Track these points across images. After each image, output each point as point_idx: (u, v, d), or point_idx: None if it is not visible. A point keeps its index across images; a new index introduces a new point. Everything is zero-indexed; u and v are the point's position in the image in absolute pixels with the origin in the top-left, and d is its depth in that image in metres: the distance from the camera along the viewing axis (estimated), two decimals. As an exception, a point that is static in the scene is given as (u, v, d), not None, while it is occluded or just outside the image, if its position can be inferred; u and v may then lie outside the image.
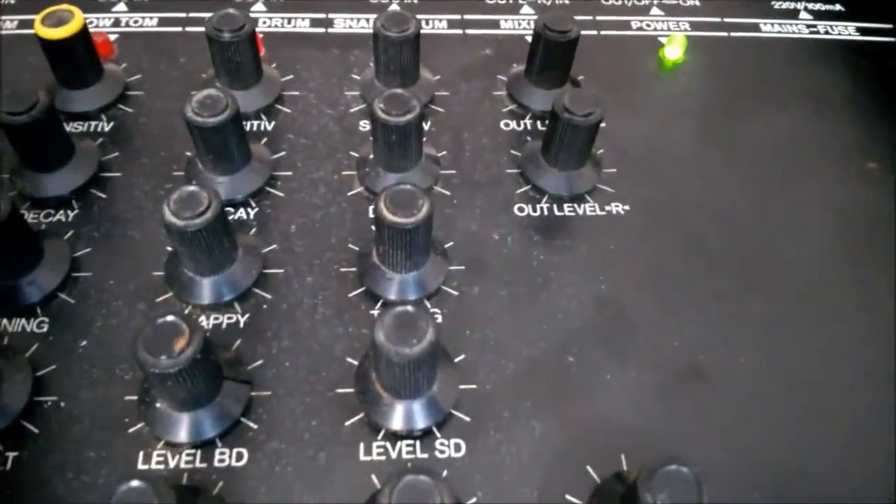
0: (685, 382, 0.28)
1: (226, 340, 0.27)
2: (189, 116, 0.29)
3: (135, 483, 0.19)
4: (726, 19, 0.43)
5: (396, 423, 0.25)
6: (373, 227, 0.31)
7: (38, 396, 0.26)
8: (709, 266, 0.31)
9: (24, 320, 0.28)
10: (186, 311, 0.28)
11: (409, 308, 0.23)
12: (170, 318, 0.23)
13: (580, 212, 0.33)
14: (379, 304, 0.29)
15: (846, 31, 0.44)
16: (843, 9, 0.45)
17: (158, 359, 0.22)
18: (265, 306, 0.29)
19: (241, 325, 0.28)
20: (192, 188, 0.26)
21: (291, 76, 0.37)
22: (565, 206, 0.33)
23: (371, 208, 0.31)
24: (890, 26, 0.45)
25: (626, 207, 0.33)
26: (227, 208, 0.31)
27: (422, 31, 0.34)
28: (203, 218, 0.25)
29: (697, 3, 0.44)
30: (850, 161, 0.36)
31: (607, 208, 0.33)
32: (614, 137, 0.36)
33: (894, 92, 0.40)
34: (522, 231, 0.32)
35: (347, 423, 0.26)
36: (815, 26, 0.44)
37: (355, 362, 0.27)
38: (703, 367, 0.28)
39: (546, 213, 0.33)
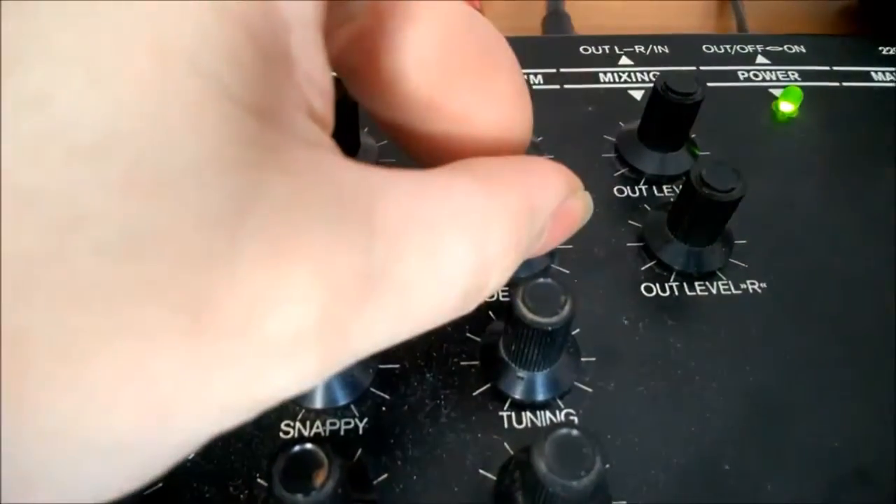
0: (851, 487, 0.25)
1: (346, 450, 0.25)
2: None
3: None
4: (835, 68, 0.40)
5: (546, 551, 0.22)
6: (492, 316, 0.28)
7: (145, 519, 0.23)
8: (864, 347, 0.28)
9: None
10: (300, 416, 0.25)
11: (573, 432, 0.21)
12: (308, 446, 0.20)
13: (713, 291, 0.30)
14: (507, 404, 0.26)
15: (960, 75, 0.41)
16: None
17: (296, 496, 0.19)
18: (384, 408, 0.26)
19: (361, 430, 0.25)
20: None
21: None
22: (696, 284, 0.30)
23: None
24: None
25: (763, 285, 0.30)
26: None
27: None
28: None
29: (803, 50, 0.41)
30: None
31: (742, 286, 0.30)
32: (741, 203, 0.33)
33: None
34: (653, 314, 0.29)
35: (488, 550, 0.23)
36: (927, 72, 0.41)
37: (489, 475, 0.24)
38: (868, 470, 0.25)
39: (676, 292, 0.30)
